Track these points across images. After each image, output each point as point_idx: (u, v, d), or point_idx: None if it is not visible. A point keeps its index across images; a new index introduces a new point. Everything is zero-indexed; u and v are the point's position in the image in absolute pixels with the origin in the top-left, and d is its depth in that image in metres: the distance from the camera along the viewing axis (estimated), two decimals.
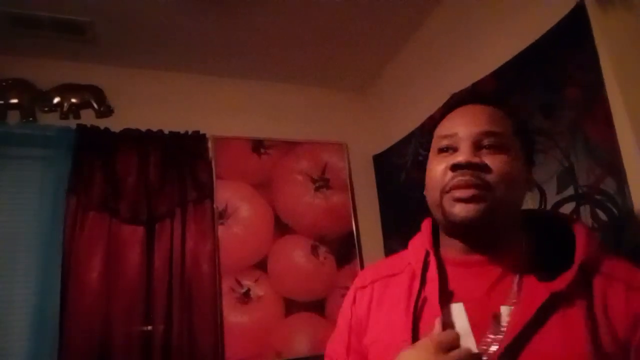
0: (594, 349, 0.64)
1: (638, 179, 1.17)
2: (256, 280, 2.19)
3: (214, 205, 2.21)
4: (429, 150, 0.86)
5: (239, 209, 2.27)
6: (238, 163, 2.34)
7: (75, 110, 2.15)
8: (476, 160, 0.73)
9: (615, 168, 1.22)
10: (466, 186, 0.72)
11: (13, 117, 2.04)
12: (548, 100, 1.44)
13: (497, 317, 0.71)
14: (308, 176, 2.46)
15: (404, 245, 0.92)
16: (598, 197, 1.27)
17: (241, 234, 2.24)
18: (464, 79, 1.81)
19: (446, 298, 0.76)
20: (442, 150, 0.79)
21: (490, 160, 0.74)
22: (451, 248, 0.81)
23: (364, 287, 0.91)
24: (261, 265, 2.23)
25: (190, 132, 2.25)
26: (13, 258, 1.92)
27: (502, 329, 0.69)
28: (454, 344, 0.69)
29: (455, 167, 0.74)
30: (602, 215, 1.25)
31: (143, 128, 2.18)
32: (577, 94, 1.34)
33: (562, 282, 0.69)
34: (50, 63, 2.17)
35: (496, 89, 1.66)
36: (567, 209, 1.36)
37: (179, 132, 2.23)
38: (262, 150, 2.41)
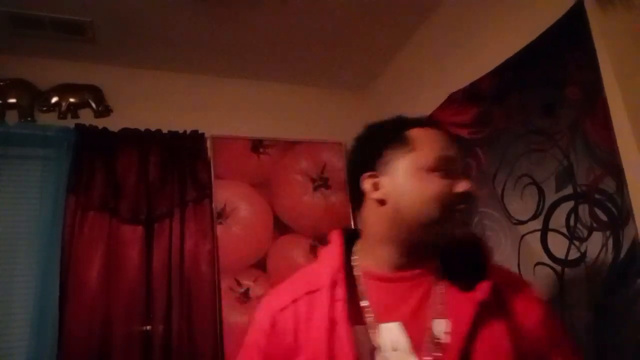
0: (516, 353, 0.72)
1: (637, 179, 1.18)
2: (255, 280, 2.19)
3: (213, 205, 2.21)
4: None
5: (238, 209, 2.27)
6: (237, 163, 2.34)
7: (73, 110, 2.15)
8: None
9: (614, 167, 1.22)
10: (467, 212, 0.81)
11: (11, 117, 2.04)
12: (547, 100, 1.44)
13: (431, 333, 0.74)
14: (307, 176, 2.46)
15: None
16: (597, 196, 1.27)
17: (240, 234, 2.24)
18: (463, 79, 1.81)
19: (377, 316, 0.77)
20: (436, 170, 0.79)
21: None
22: (382, 262, 0.82)
23: (283, 308, 0.83)
24: (260, 265, 2.23)
25: (189, 132, 2.25)
26: (13, 258, 1.93)
27: (438, 343, 0.72)
28: None
29: (464, 195, 0.79)
30: (601, 215, 1.26)
31: (142, 128, 2.18)
32: (576, 93, 1.34)
33: (484, 291, 0.74)
34: (49, 63, 2.17)
35: (495, 88, 1.67)
36: (565, 207, 1.36)
37: (177, 132, 2.23)
38: (261, 150, 2.41)
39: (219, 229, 2.20)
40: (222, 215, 2.23)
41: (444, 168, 0.79)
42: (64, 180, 1.95)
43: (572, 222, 1.34)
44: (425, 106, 2.02)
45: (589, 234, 1.29)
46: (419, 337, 0.73)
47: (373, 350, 0.74)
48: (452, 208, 0.78)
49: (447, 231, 0.78)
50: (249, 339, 0.90)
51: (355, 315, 0.77)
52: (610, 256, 1.22)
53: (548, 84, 1.45)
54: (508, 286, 0.81)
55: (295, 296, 0.83)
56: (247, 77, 2.52)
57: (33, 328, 1.75)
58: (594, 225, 1.27)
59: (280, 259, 2.27)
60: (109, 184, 2.02)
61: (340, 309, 0.76)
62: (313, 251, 2.33)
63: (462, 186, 0.79)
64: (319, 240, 2.36)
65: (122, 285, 1.91)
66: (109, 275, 1.91)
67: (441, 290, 0.78)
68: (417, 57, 2.25)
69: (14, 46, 2.06)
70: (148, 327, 1.91)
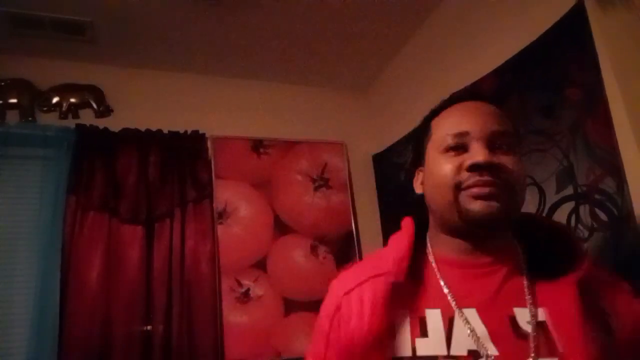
0: (611, 340, 0.67)
1: (637, 179, 1.18)
2: (256, 280, 2.19)
3: (214, 205, 2.21)
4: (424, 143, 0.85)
5: (239, 209, 2.27)
6: (237, 163, 2.34)
7: (74, 110, 2.15)
8: (495, 160, 0.72)
9: (614, 168, 1.22)
10: (485, 184, 0.71)
11: (12, 117, 2.04)
12: (548, 100, 1.44)
13: (514, 320, 0.70)
14: (307, 176, 2.46)
15: None
16: (597, 196, 1.27)
17: (241, 234, 2.24)
18: (463, 79, 1.81)
19: (457, 301, 0.74)
20: (450, 149, 0.76)
21: (506, 160, 0.73)
22: (449, 249, 0.79)
23: (348, 292, 0.81)
24: (261, 265, 2.23)
25: (189, 132, 2.25)
26: (13, 258, 1.93)
27: (521, 333, 0.69)
28: None
29: (474, 167, 0.72)
30: (602, 215, 1.26)
31: (142, 128, 2.18)
32: (577, 93, 1.34)
33: (583, 270, 0.70)
34: (50, 63, 2.17)
35: (496, 88, 1.66)
36: (566, 208, 1.36)
37: (178, 132, 2.23)
38: (262, 150, 2.41)
39: (219, 229, 2.20)
40: (222, 215, 2.23)
41: (456, 145, 0.75)
42: (64, 180, 1.96)
43: (573, 223, 1.34)
44: (425, 106, 2.02)
45: (590, 234, 1.28)
46: (496, 325, 0.70)
47: (448, 334, 0.71)
48: (463, 185, 0.72)
49: (462, 209, 0.72)
50: (317, 325, 0.85)
51: (434, 299, 0.75)
52: (610, 256, 1.22)
53: (548, 84, 1.45)
54: (604, 283, 0.73)
55: (360, 280, 0.80)
56: (247, 77, 2.52)
57: (33, 328, 1.75)
58: (595, 225, 1.27)
59: (281, 259, 2.27)
60: (109, 184, 2.02)
61: (384, 290, 0.74)
62: (313, 251, 2.33)
63: (471, 157, 0.73)
64: (319, 240, 2.36)
65: (122, 285, 1.91)
66: (109, 275, 1.91)
67: (523, 281, 0.73)
68: (417, 57, 2.25)
69: (14, 46, 2.06)
70: (148, 327, 1.91)
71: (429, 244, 0.84)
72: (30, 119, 2.06)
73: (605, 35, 1.27)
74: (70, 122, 2.10)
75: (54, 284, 1.81)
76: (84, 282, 1.86)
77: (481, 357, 0.67)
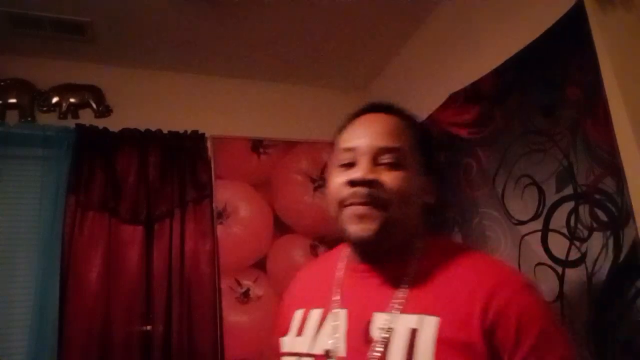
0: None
1: (637, 179, 1.18)
2: (255, 280, 2.19)
3: (213, 205, 2.21)
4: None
5: (238, 209, 2.27)
6: (237, 163, 2.34)
7: (73, 110, 2.15)
8: (371, 177, 0.73)
9: (614, 167, 1.22)
10: (361, 202, 0.73)
11: (11, 117, 2.04)
12: (548, 100, 1.44)
13: (368, 325, 0.72)
14: (307, 176, 2.46)
15: None
16: (597, 196, 1.27)
17: (240, 234, 2.24)
18: (464, 78, 1.81)
19: (341, 302, 0.78)
20: (342, 165, 0.79)
21: (387, 176, 0.74)
22: (352, 252, 0.84)
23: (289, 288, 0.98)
24: (260, 265, 2.23)
25: (189, 132, 2.25)
26: (13, 258, 1.93)
27: (370, 339, 0.70)
28: None
29: (352, 183, 0.74)
30: (602, 215, 1.26)
31: (142, 128, 2.18)
32: (576, 93, 1.34)
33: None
34: (50, 63, 2.17)
35: (496, 88, 1.66)
36: (566, 208, 1.36)
37: (178, 132, 2.23)
38: (262, 150, 2.41)
39: (219, 229, 2.20)
40: (222, 215, 2.23)
41: (346, 161, 0.78)
42: (64, 180, 1.96)
43: (572, 223, 1.34)
44: (425, 106, 2.02)
45: (590, 235, 1.28)
46: (354, 328, 0.73)
47: (317, 333, 0.77)
48: (345, 202, 0.75)
49: (343, 228, 0.76)
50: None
51: (322, 300, 0.81)
52: (610, 256, 1.22)
53: (548, 84, 1.45)
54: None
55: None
56: (247, 77, 2.52)
57: (33, 328, 1.75)
58: (594, 225, 1.27)
59: (280, 259, 2.27)
60: (109, 184, 2.02)
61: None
62: (313, 251, 2.33)
63: (349, 175, 0.75)
64: (319, 240, 2.36)
65: (122, 285, 1.91)
66: (109, 275, 1.91)
67: (398, 290, 0.74)
68: (417, 57, 2.25)
69: (14, 46, 2.06)
70: (148, 327, 1.91)
71: None
72: (30, 119, 2.07)
73: (605, 35, 1.27)
74: (70, 122, 2.10)
75: (54, 284, 1.81)
76: (84, 282, 1.86)
77: (330, 357, 0.72)
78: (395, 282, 0.75)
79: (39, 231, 1.89)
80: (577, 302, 1.31)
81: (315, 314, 0.79)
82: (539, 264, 1.43)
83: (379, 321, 0.71)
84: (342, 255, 0.87)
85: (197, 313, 1.98)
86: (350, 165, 0.77)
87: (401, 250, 0.78)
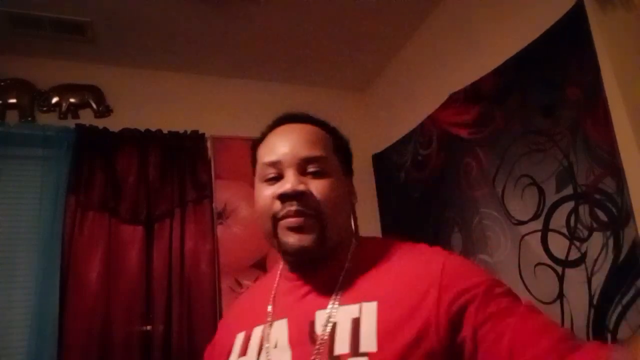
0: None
1: (637, 179, 1.18)
2: (255, 280, 2.19)
3: (213, 205, 2.21)
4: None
5: (238, 209, 2.27)
6: (237, 163, 2.34)
7: (73, 110, 2.15)
8: (302, 188, 0.73)
9: (614, 167, 1.22)
10: (296, 215, 0.73)
11: (11, 117, 2.04)
12: (548, 100, 1.44)
13: (312, 325, 0.72)
14: None
15: None
16: (597, 196, 1.27)
17: (240, 234, 2.24)
18: (463, 79, 1.81)
19: (274, 315, 0.78)
20: (268, 179, 0.78)
21: (315, 186, 0.75)
22: (287, 267, 0.84)
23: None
24: (260, 265, 2.23)
25: (189, 132, 2.25)
26: (13, 258, 1.93)
27: (314, 336, 0.70)
28: None
29: (282, 197, 0.73)
30: (601, 215, 1.26)
31: (142, 128, 2.18)
32: (576, 93, 1.34)
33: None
34: (50, 63, 2.17)
35: (496, 88, 1.67)
36: (566, 208, 1.36)
37: (178, 132, 2.23)
38: None
39: (219, 229, 2.20)
40: (222, 215, 2.23)
41: (271, 175, 0.77)
42: (64, 180, 1.96)
43: (572, 223, 1.34)
44: (425, 106, 2.03)
45: (589, 234, 1.29)
46: (296, 332, 0.72)
47: (260, 348, 0.75)
48: (278, 215, 0.74)
49: (280, 242, 0.75)
50: None
51: (261, 317, 0.80)
52: (610, 256, 1.22)
53: (548, 84, 1.45)
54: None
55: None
56: (247, 77, 2.52)
57: (33, 328, 1.75)
58: (594, 225, 1.27)
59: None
60: (108, 184, 2.02)
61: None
62: None
63: (278, 188, 0.74)
64: None
65: (122, 285, 1.91)
66: (109, 275, 1.91)
67: (329, 284, 0.76)
68: (417, 57, 2.25)
69: (14, 46, 2.06)
70: (148, 327, 1.91)
71: None
72: (29, 119, 2.06)
73: (605, 35, 1.28)
74: (70, 122, 2.10)
75: (54, 284, 1.81)
76: (84, 282, 1.86)
77: None
78: (332, 280, 0.76)
79: (39, 231, 1.89)
80: (577, 302, 1.31)
81: (258, 331, 0.78)
82: (539, 264, 1.43)
83: (322, 318, 0.71)
84: (276, 272, 0.88)
85: (197, 313, 1.98)
86: (276, 178, 0.77)
87: (335, 251, 0.79)
